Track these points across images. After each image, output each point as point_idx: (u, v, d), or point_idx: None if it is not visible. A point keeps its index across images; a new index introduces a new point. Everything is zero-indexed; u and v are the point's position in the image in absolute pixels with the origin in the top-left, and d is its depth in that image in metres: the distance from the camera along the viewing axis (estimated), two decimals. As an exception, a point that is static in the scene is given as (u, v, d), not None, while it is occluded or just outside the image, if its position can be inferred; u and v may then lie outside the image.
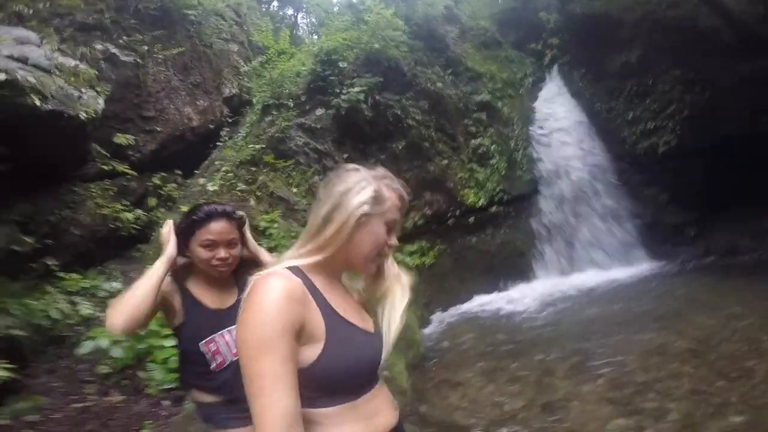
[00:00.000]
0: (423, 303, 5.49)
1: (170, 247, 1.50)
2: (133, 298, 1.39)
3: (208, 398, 1.56)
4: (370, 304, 1.07)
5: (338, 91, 5.40)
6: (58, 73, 3.95)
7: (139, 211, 5.37)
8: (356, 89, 5.20)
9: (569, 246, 6.27)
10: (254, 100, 6.48)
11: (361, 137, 5.57)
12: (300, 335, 0.82)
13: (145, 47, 5.69)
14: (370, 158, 5.56)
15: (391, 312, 1.02)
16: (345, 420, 0.87)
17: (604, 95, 6.50)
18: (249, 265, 1.61)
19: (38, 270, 4.28)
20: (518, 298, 5.63)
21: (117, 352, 3.34)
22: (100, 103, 4.43)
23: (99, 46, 5.13)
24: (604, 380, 3.20)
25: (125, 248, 5.18)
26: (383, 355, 0.99)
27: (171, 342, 2.87)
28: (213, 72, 6.77)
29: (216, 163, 5.79)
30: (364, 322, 0.99)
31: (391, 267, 1.05)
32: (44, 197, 4.35)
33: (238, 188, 4.99)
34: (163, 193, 5.81)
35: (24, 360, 3.52)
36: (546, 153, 6.46)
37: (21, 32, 4.09)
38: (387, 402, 0.99)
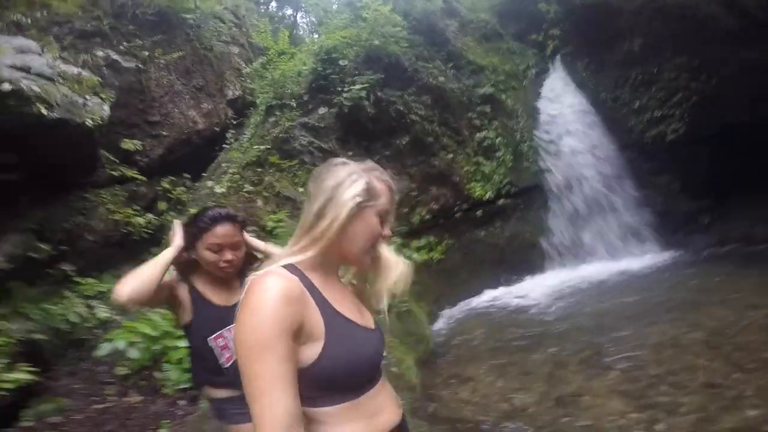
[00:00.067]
0: (432, 299, 5.50)
1: (177, 239, 1.59)
2: (141, 273, 1.48)
3: (219, 393, 1.61)
4: (366, 295, 1.06)
5: (340, 89, 5.40)
6: (61, 81, 3.99)
7: (150, 215, 5.46)
8: (358, 87, 5.19)
9: (579, 237, 6.19)
10: (258, 102, 6.52)
11: (364, 134, 5.56)
12: (299, 335, 0.82)
13: (146, 52, 5.70)
14: (375, 155, 5.56)
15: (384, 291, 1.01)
16: (348, 418, 0.87)
17: (609, 85, 6.40)
18: (253, 262, 1.67)
19: (55, 276, 4.40)
20: (528, 292, 5.58)
21: (133, 354, 3.43)
22: (106, 109, 4.47)
23: (100, 53, 5.16)
24: (617, 374, 3.18)
25: (138, 252, 5.27)
26: (384, 350, 0.99)
27: (184, 342, 2.93)
28: (215, 75, 6.79)
29: (223, 165, 5.85)
30: (363, 319, 0.98)
31: (387, 254, 1.02)
32: (57, 205, 4.46)
33: (245, 189, 5.05)
34: (172, 196, 5.90)
35: (46, 363, 3.64)
36: (552, 145, 6.37)
37: (21, 41, 4.11)
38: (390, 399, 0.98)
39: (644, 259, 5.76)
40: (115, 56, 5.28)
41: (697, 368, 2.96)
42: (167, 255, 1.55)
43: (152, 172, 5.74)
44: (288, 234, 4.44)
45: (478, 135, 6.16)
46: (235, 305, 1.58)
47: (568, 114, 6.48)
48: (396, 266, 1.02)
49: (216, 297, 1.62)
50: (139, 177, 5.45)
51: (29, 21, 4.66)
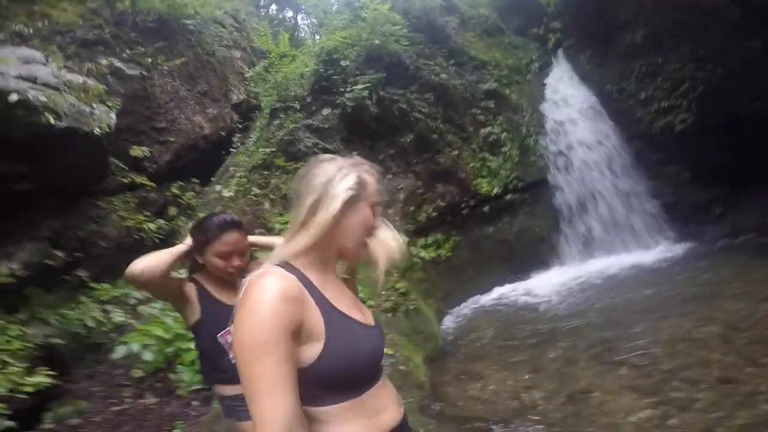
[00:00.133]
0: (440, 296, 5.50)
1: (188, 240, 1.68)
2: (155, 255, 1.59)
3: (228, 390, 1.64)
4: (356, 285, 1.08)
5: (342, 89, 5.42)
6: (67, 90, 4.02)
7: (160, 221, 5.56)
8: (360, 86, 5.20)
9: (589, 231, 6.11)
10: (262, 105, 6.57)
11: (368, 134, 5.57)
12: (299, 334, 0.81)
13: (149, 59, 5.74)
14: (379, 154, 5.57)
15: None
16: (349, 418, 0.86)
17: (614, 76, 6.32)
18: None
19: (71, 282, 4.52)
20: (539, 287, 5.54)
21: (147, 356, 3.51)
22: (113, 117, 4.52)
23: (104, 61, 5.18)
24: (628, 369, 3.14)
25: (151, 257, 5.39)
26: (384, 348, 0.99)
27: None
28: (219, 79, 6.84)
29: (230, 169, 5.93)
30: (363, 316, 0.98)
31: (380, 234, 1.01)
32: (71, 213, 4.57)
33: (252, 192, 5.12)
34: (182, 201, 5.99)
35: (65, 367, 3.75)
36: (559, 138, 6.30)
37: (25, 52, 4.14)
38: (392, 398, 0.98)
39: (656, 251, 5.67)
40: (118, 64, 5.30)
41: (710, 363, 2.90)
42: (179, 247, 1.65)
43: (161, 178, 5.83)
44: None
45: (482, 131, 6.11)
46: None
47: (573, 107, 6.40)
48: (388, 244, 1.01)
49: (222, 295, 1.67)
50: (149, 183, 5.54)
51: (31, 31, 4.69)
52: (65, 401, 3.30)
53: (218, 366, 1.64)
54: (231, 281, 1.67)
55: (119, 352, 3.45)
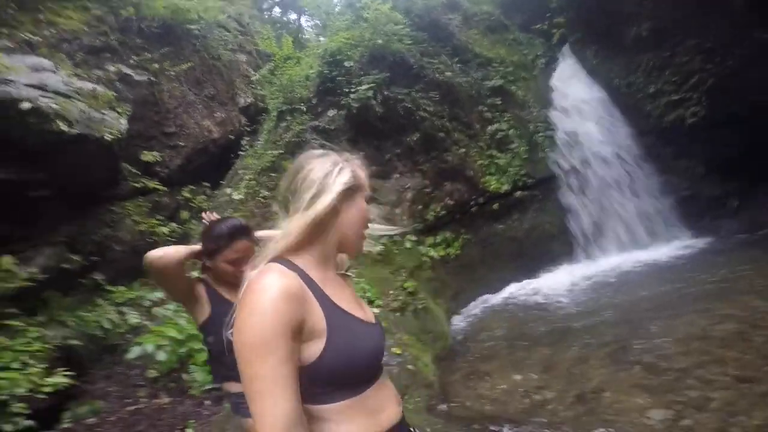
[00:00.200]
0: (450, 295, 5.47)
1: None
2: (174, 247, 1.68)
3: (235, 388, 1.68)
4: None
5: (347, 90, 5.43)
6: (78, 97, 4.08)
7: (173, 225, 5.67)
8: (364, 87, 5.21)
9: (602, 227, 6.01)
10: (269, 107, 6.63)
11: (374, 134, 5.58)
12: (300, 333, 0.80)
13: (156, 65, 5.81)
14: (386, 154, 5.57)
15: None
16: (349, 416, 0.86)
17: (621, 70, 6.21)
18: None
19: (88, 285, 4.64)
20: (550, 285, 5.47)
21: (161, 356, 3.58)
22: (123, 123, 4.59)
23: (112, 68, 5.24)
24: (641, 368, 3.06)
25: (164, 260, 5.49)
26: (385, 345, 1.00)
27: (207, 344, 3.05)
28: (225, 83, 6.91)
29: (239, 172, 6.00)
30: (364, 313, 0.98)
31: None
32: (86, 218, 4.69)
33: (261, 195, 5.17)
34: (193, 205, 6.09)
35: (83, 367, 3.86)
36: (567, 133, 6.20)
37: (35, 60, 4.21)
38: (391, 396, 0.98)
39: (670, 247, 5.54)
40: (126, 70, 5.35)
41: (727, 361, 2.82)
42: (194, 246, 1.72)
43: (173, 182, 5.94)
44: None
45: (490, 128, 6.06)
46: None
47: (581, 101, 6.29)
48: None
49: (230, 295, 1.71)
50: (161, 188, 5.64)
51: (39, 39, 4.75)
52: (83, 401, 3.39)
53: (226, 363, 1.67)
54: (239, 282, 1.72)
55: (134, 352, 3.53)
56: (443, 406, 3.08)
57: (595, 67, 6.56)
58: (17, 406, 2.79)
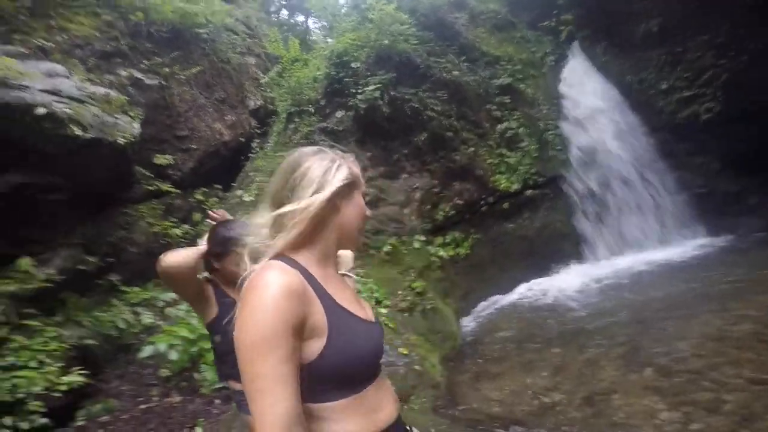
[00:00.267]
0: (460, 295, 5.44)
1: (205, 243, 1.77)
2: (184, 251, 1.71)
3: (239, 386, 1.70)
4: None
5: (354, 91, 5.45)
6: (91, 102, 4.14)
7: (186, 226, 5.76)
8: (371, 87, 5.22)
9: (615, 225, 5.88)
10: (278, 110, 6.69)
11: (382, 134, 5.58)
12: (302, 331, 0.80)
13: (167, 69, 5.85)
14: (393, 154, 5.57)
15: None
16: (348, 414, 0.86)
17: (632, 67, 6.12)
18: None
19: (104, 286, 4.75)
20: (561, 285, 5.39)
21: (173, 355, 3.64)
22: (136, 127, 4.64)
23: (123, 73, 5.29)
24: (653, 370, 3.00)
25: (177, 261, 5.59)
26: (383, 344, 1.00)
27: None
28: (235, 86, 6.96)
29: (250, 174, 6.08)
30: (364, 312, 0.98)
31: None
32: (102, 221, 4.81)
33: (271, 197, 5.21)
34: (206, 207, 6.17)
35: (98, 366, 3.95)
36: (579, 131, 6.09)
37: (48, 65, 4.27)
38: (389, 396, 0.98)
39: (686, 246, 5.40)
40: (138, 75, 5.40)
41: (743, 363, 2.74)
42: (200, 247, 1.74)
43: (185, 185, 6.03)
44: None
45: (499, 126, 6.01)
46: None
47: (592, 98, 6.17)
48: None
49: (237, 294, 1.73)
50: (174, 190, 5.74)
51: (52, 45, 4.83)
52: (97, 400, 3.48)
53: (233, 361, 1.70)
54: None
55: (146, 351, 3.60)
56: (449, 407, 3.06)
57: (604, 64, 6.47)
58: (34, 404, 2.87)
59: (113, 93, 4.58)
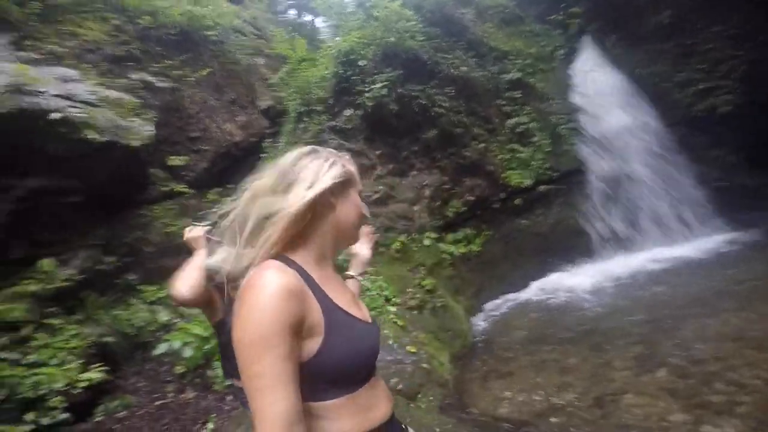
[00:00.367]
0: (471, 292, 5.39)
1: (203, 252, 1.70)
2: (188, 277, 1.63)
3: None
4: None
5: (362, 89, 5.43)
6: (104, 105, 4.22)
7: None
8: (378, 85, 5.19)
9: (631, 221, 5.72)
10: (288, 109, 6.73)
11: (390, 132, 5.55)
12: (300, 330, 0.80)
13: (177, 72, 5.91)
14: (402, 151, 5.54)
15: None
16: (343, 414, 0.86)
17: (644, 60, 5.95)
18: None
19: (122, 285, 4.90)
20: (575, 282, 5.29)
21: (187, 353, 3.73)
22: (150, 129, 4.71)
23: (135, 76, 5.37)
24: (667, 370, 2.93)
25: (193, 260, 5.71)
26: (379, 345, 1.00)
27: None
28: (245, 87, 7.00)
29: (262, 173, 6.13)
30: (361, 313, 0.99)
31: None
32: (118, 222, 4.95)
33: (281, 196, 5.26)
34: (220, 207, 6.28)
35: (116, 364, 4.08)
36: (593, 125, 5.92)
37: (62, 70, 4.36)
38: (383, 394, 0.98)
39: (704, 242, 5.21)
40: (149, 78, 5.47)
41: (761, 364, 2.64)
42: (201, 257, 1.68)
43: (199, 186, 6.13)
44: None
45: (509, 121, 5.90)
46: None
47: (606, 91, 5.99)
48: None
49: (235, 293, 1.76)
50: (188, 191, 5.85)
51: (64, 50, 4.90)
52: (115, 396, 3.60)
53: (233, 360, 1.73)
54: None
55: (161, 348, 3.71)
56: (458, 406, 3.04)
57: (616, 57, 6.30)
58: (55, 400, 2.99)
59: (126, 96, 4.66)
